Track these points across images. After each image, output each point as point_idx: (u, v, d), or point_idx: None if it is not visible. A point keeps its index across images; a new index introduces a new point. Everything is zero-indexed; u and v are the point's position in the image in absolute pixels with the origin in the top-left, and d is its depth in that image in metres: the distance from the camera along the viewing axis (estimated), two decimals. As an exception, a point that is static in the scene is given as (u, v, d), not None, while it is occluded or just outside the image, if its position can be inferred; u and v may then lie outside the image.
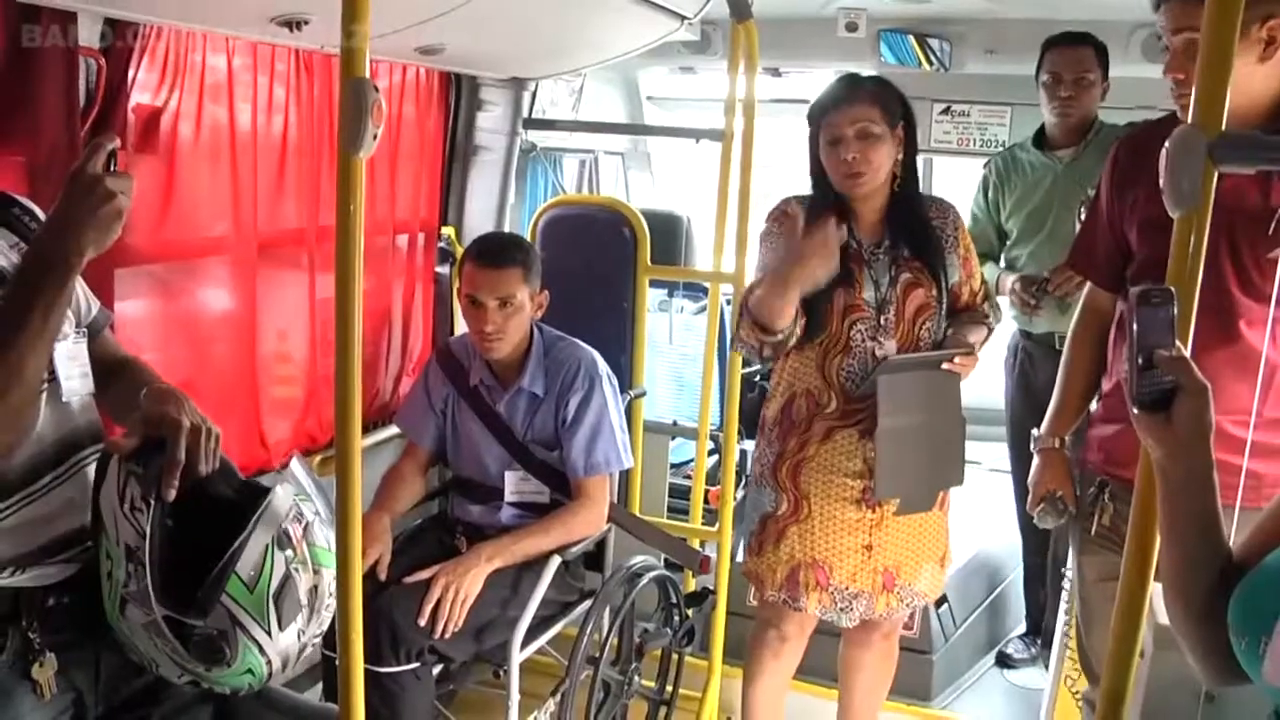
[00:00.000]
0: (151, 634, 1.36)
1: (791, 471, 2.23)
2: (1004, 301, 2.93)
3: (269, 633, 1.36)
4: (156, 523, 1.33)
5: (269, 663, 1.38)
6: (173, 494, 1.34)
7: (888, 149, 2.12)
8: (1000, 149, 3.99)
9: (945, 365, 2.15)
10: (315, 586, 1.41)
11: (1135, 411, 1.12)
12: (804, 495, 2.23)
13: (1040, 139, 3.07)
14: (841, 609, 2.26)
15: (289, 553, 1.38)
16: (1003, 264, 3.14)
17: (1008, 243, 3.14)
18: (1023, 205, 3.06)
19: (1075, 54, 2.92)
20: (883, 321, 2.17)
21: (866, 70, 4.08)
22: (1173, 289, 1.14)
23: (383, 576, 2.26)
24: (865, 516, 2.22)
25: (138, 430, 1.38)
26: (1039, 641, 3.26)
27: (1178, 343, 1.12)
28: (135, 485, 1.35)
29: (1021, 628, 3.40)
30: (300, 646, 1.41)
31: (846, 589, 2.24)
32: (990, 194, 3.16)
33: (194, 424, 1.38)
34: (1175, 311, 1.12)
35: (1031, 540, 3.17)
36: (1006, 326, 2.85)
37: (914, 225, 2.21)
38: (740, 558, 2.54)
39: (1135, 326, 1.11)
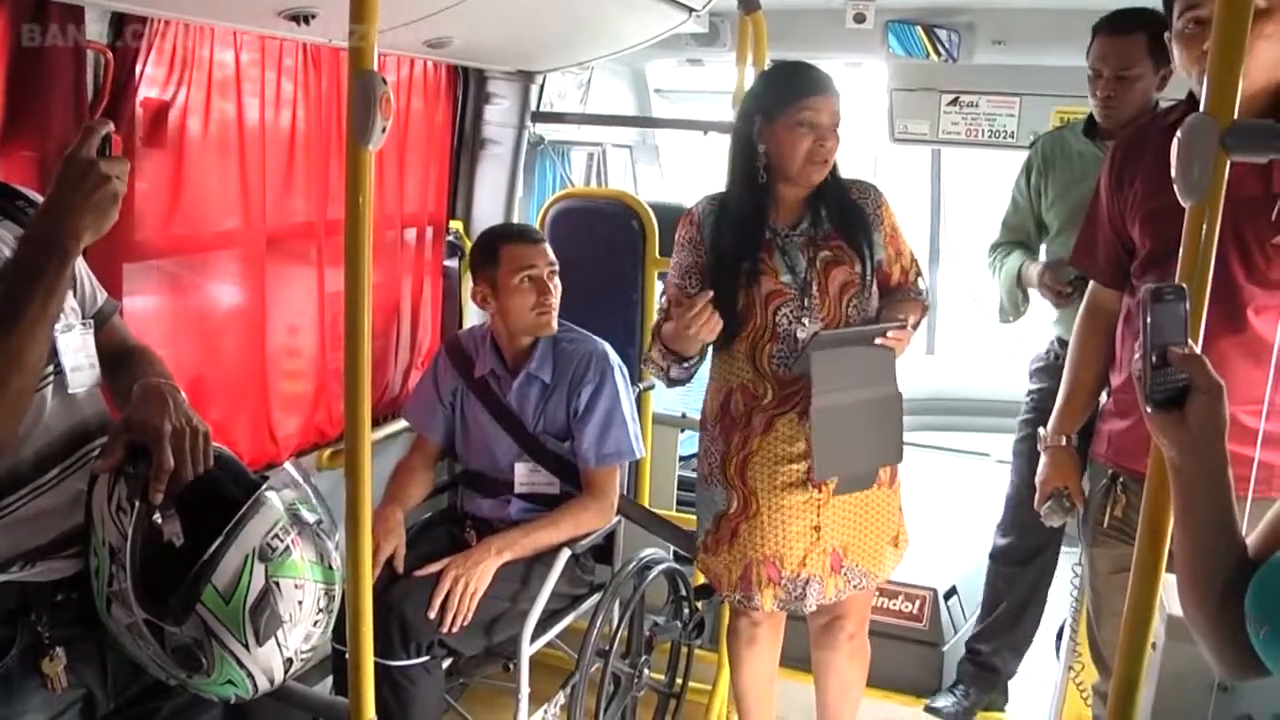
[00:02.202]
0: (135, 636, 1.35)
1: (739, 468, 2.23)
2: (1033, 293, 2.82)
3: (246, 646, 1.33)
4: (140, 525, 1.32)
5: (250, 676, 1.35)
6: (160, 498, 1.33)
7: None
8: (1009, 140, 3.97)
9: (878, 340, 2.12)
10: (301, 601, 1.36)
11: (1148, 410, 1.11)
12: (752, 491, 2.22)
13: (1092, 127, 2.70)
14: (797, 598, 2.26)
15: (271, 565, 1.34)
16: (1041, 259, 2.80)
17: (1047, 236, 2.80)
18: (1066, 197, 2.71)
19: (1119, 45, 2.51)
20: (807, 303, 2.16)
21: (875, 62, 4.09)
22: (1184, 286, 1.13)
23: (400, 569, 2.27)
24: (812, 497, 2.21)
25: (121, 437, 1.37)
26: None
27: (1190, 340, 1.11)
28: (124, 486, 1.34)
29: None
30: (285, 661, 1.37)
31: (798, 576, 2.23)
32: (1033, 179, 2.80)
33: (176, 428, 1.36)
34: (1187, 309, 1.11)
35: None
36: (1044, 332, 2.78)
37: (836, 204, 2.21)
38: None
39: (1148, 324, 1.10)
